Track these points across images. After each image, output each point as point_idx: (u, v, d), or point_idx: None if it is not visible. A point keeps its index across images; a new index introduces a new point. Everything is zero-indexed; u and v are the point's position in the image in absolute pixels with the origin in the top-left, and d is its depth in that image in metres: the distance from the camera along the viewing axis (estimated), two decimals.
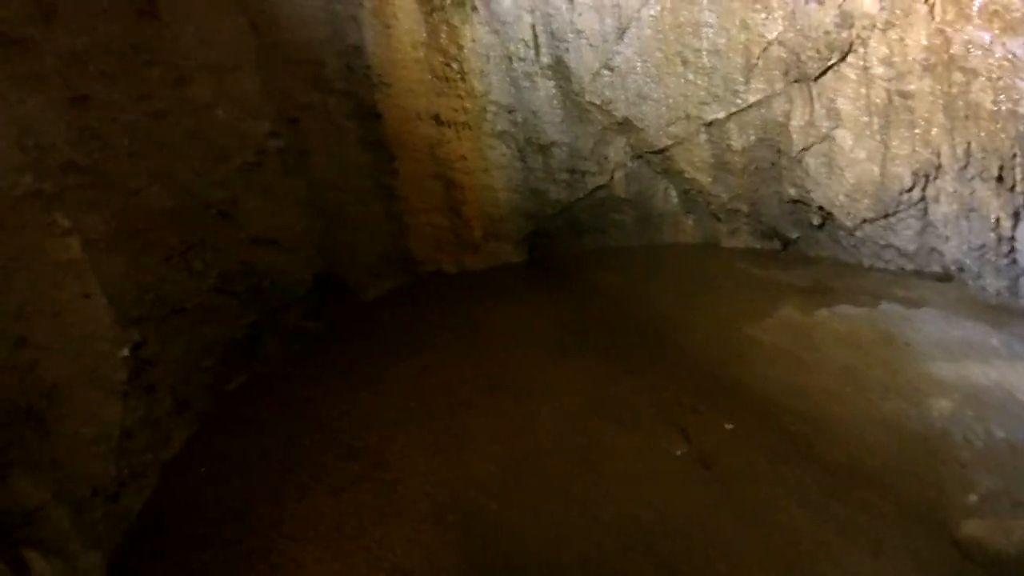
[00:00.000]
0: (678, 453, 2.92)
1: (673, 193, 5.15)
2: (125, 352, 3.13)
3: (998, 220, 3.63)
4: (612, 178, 5.10)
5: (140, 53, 3.49)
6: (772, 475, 2.74)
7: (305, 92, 4.62)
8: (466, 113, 4.96)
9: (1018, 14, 3.17)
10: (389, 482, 3.04)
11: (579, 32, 4.56)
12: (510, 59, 4.79)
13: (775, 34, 4.05)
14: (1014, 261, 3.68)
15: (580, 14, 4.50)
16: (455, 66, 4.82)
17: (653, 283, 4.69)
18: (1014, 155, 3.37)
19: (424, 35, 4.76)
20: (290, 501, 2.99)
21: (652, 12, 4.38)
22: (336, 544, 2.72)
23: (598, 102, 4.74)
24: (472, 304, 4.80)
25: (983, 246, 3.78)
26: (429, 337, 4.37)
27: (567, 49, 4.64)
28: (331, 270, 4.92)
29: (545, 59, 4.74)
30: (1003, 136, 3.39)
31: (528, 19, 4.64)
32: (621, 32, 4.49)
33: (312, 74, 4.62)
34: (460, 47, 4.77)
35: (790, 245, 4.85)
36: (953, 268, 4.05)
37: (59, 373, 2.65)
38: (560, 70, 4.75)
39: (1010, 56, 3.24)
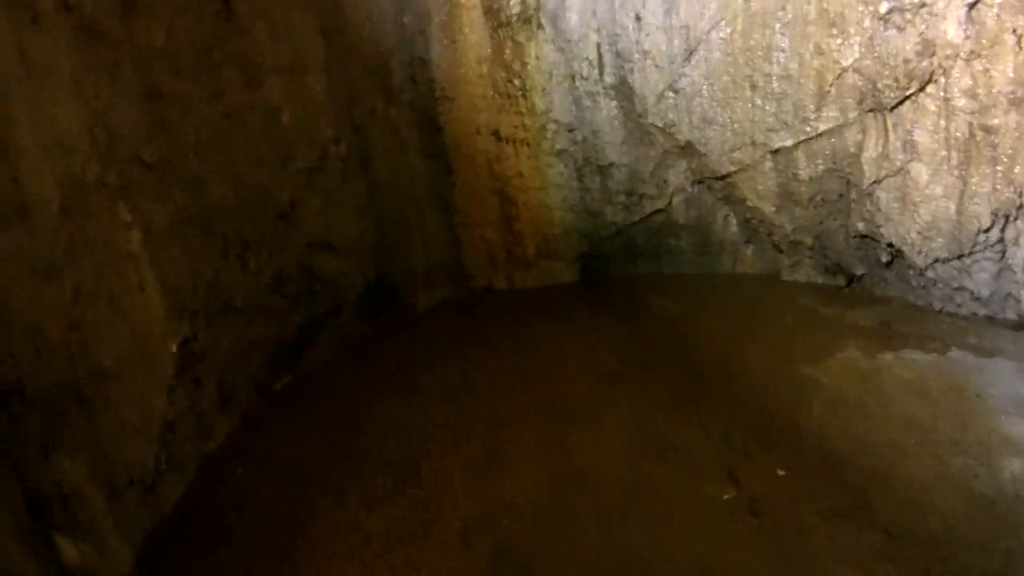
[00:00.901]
0: (725, 497, 2.77)
1: (733, 221, 4.99)
2: (174, 346, 3.20)
3: None
4: (671, 203, 4.98)
5: (214, 52, 3.60)
6: (824, 531, 2.57)
7: (370, 100, 4.69)
8: (526, 130, 4.94)
9: None
10: (421, 500, 2.99)
11: (645, 52, 4.49)
12: (573, 78, 4.75)
13: (851, 60, 3.89)
14: None
15: (647, 34, 4.43)
16: (517, 83, 4.82)
17: (708, 313, 4.53)
18: None
19: (489, 51, 4.78)
20: (322, 509, 2.99)
21: (722, 34, 4.28)
22: (363, 558, 2.69)
23: (661, 124, 4.65)
24: (521, 322, 4.75)
25: None
26: (475, 352, 4.33)
27: (632, 69, 4.57)
28: (384, 278, 4.97)
29: (609, 79, 4.69)
30: None
31: (595, 38, 4.60)
32: (689, 54, 4.40)
33: (378, 83, 4.69)
34: (524, 64, 4.76)
35: (855, 282, 4.62)
36: None
37: (109, 359, 2.70)
38: (623, 90, 4.68)
39: None
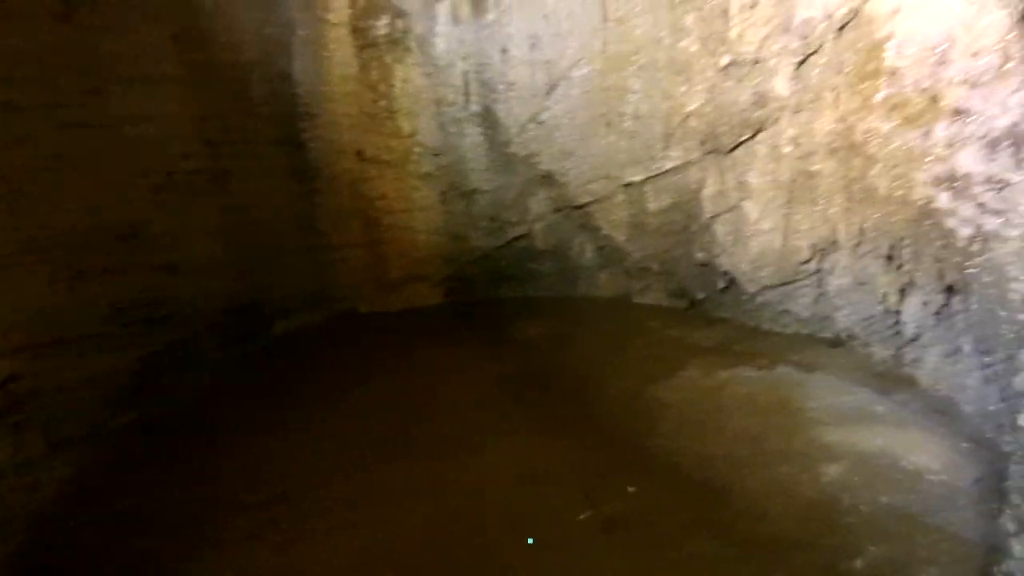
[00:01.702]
0: (581, 517, 2.90)
1: (589, 248, 5.28)
2: None
3: (886, 294, 3.91)
4: (532, 229, 5.19)
5: (52, 59, 3.28)
6: (672, 542, 2.76)
7: (227, 114, 4.46)
8: (391, 152, 4.93)
9: (915, 108, 3.48)
10: (296, 535, 2.84)
11: (510, 84, 4.67)
12: (439, 103, 4.84)
13: (695, 106, 4.29)
14: (898, 332, 3.95)
15: (513, 67, 4.62)
16: (384, 104, 4.81)
17: (568, 337, 4.73)
18: (903, 238, 3.66)
19: (355, 69, 4.73)
20: (173, 560, 2.74)
21: (582, 72, 4.55)
22: None
23: (523, 154, 4.84)
24: (386, 347, 4.68)
25: (871, 317, 4.05)
26: (340, 381, 4.19)
27: (496, 99, 4.73)
28: (242, 302, 4.69)
29: (475, 107, 4.82)
30: (894, 220, 3.68)
31: (461, 66, 4.71)
32: (551, 88, 4.63)
33: (236, 96, 4.48)
34: (391, 86, 4.77)
35: (696, 305, 5.05)
36: (844, 335, 4.32)
37: None
38: (488, 119, 4.82)
39: (905, 147, 3.54)
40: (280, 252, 4.91)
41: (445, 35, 4.68)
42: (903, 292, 3.83)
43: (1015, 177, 2.97)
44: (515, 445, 3.48)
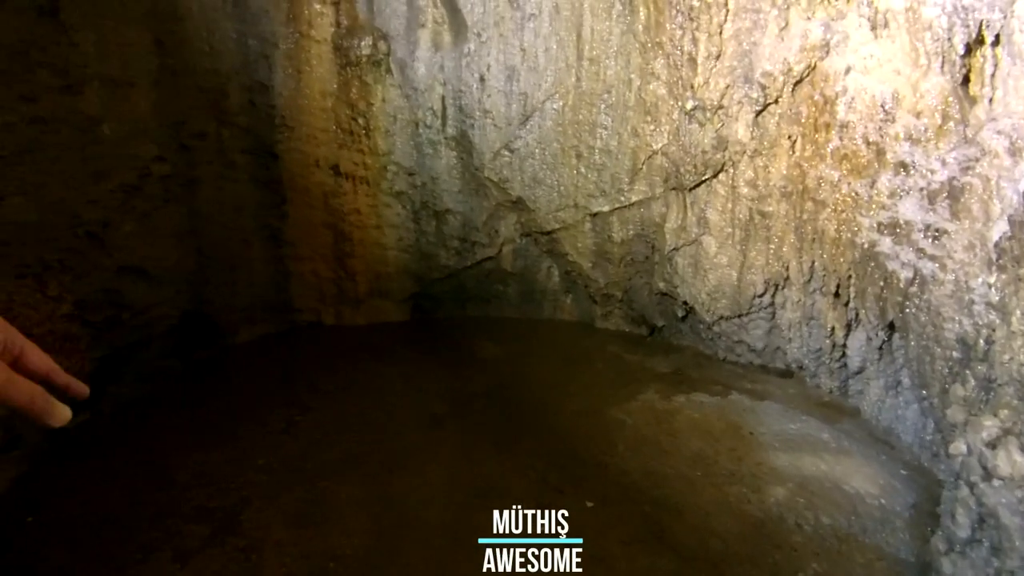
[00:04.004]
0: None
1: (556, 273, 5.43)
2: None
3: (833, 329, 4.15)
4: (500, 251, 5.30)
5: (31, 53, 3.28)
6: (625, 556, 2.87)
7: (201, 120, 4.49)
8: (366, 169, 5.01)
9: (863, 159, 3.76)
10: (242, 549, 2.84)
11: (486, 112, 4.81)
12: (417, 124, 4.95)
13: (660, 145, 4.51)
14: (844, 365, 4.19)
15: (489, 95, 4.77)
16: (361, 121, 4.90)
17: (530, 358, 4.85)
18: (849, 276, 3.91)
19: (335, 86, 4.82)
20: (129, 565, 2.71)
21: (555, 106, 4.73)
22: None
23: (496, 179, 4.97)
24: (348, 362, 4.70)
25: (820, 350, 4.29)
26: (298, 394, 4.19)
27: (472, 125, 4.87)
28: (202, 308, 4.67)
29: (451, 131, 4.94)
30: (842, 260, 3.93)
31: (440, 90, 4.85)
32: (525, 119, 4.80)
33: (212, 103, 4.51)
34: (369, 104, 4.86)
35: (656, 332, 5.24)
36: (794, 366, 4.55)
37: None
38: (464, 143, 4.95)
39: (853, 194, 3.81)
40: (245, 260, 4.92)
41: (425, 60, 4.81)
42: (849, 327, 4.08)
43: (951, 227, 3.24)
44: (472, 461, 3.55)
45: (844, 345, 4.14)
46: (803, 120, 4.05)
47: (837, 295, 4.07)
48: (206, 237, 4.63)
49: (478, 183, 5.06)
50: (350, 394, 4.27)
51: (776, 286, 4.40)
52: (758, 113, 4.18)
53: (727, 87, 4.22)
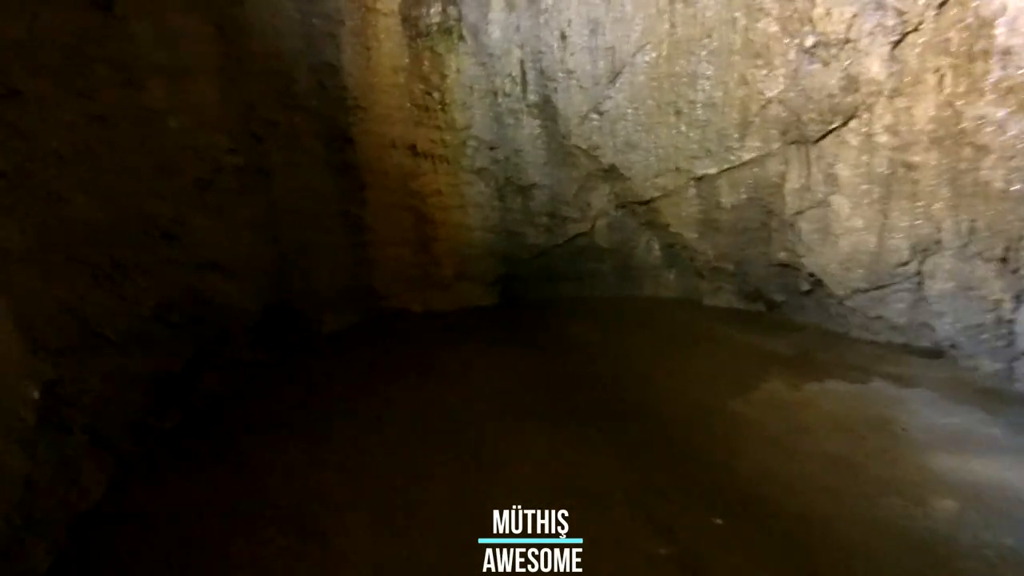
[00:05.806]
0: (663, 552, 2.58)
1: (656, 246, 4.96)
2: (35, 392, 2.69)
3: (998, 301, 3.49)
4: (594, 226, 4.91)
5: (87, 48, 3.13)
6: None
7: (271, 107, 4.31)
8: (445, 146, 4.71)
9: None
10: (321, 561, 2.64)
11: (569, 72, 4.38)
12: (495, 94, 4.59)
13: (775, 92, 3.93)
14: (1011, 344, 3.54)
15: (572, 54, 4.33)
16: (436, 96, 4.59)
17: (629, 340, 4.42)
18: (1021, 238, 3.24)
19: (406, 60, 4.52)
20: (209, 573, 2.57)
21: (647, 58, 4.22)
22: None
23: (584, 146, 4.55)
24: (435, 350, 4.46)
25: (980, 325, 3.64)
26: (384, 386, 4.01)
27: (556, 89, 4.46)
28: (285, 301, 4.55)
29: (532, 97, 4.55)
30: (1012, 217, 3.27)
31: (517, 54, 4.45)
32: (614, 76, 4.32)
33: (280, 88, 4.32)
34: (443, 76, 4.54)
35: (774, 309, 4.67)
36: (945, 344, 3.91)
37: None
38: (547, 110, 4.55)
39: None
40: (326, 249, 4.76)
41: (499, 22, 4.42)
42: (1018, 299, 3.45)
43: None
44: (565, 460, 3.18)
45: (1011, 320, 3.47)
46: (953, 49, 3.41)
47: (1004, 260, 3.41)
48: (284, 228, 4.50)
49: (565, 152, 4.65)
50: (438, 385, 4.02)
51: (925, 252, 3.75)
52: (895, 44, 3.56)
53: (854, 16, 3.63)
